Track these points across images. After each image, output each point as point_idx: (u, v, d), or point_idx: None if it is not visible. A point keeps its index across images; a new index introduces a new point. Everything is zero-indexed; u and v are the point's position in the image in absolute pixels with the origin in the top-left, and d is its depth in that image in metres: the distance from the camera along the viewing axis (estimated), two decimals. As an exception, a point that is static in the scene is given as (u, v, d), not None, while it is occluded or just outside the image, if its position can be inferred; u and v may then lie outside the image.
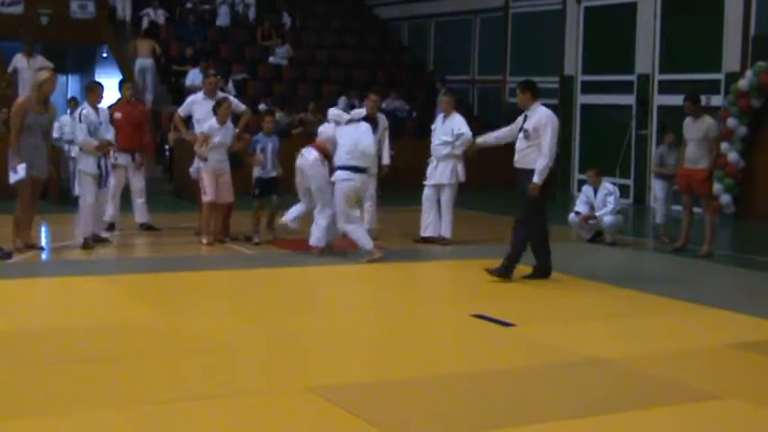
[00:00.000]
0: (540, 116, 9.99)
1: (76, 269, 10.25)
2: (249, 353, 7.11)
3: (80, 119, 11.44)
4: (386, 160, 12.89)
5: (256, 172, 12.19)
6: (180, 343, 7.33)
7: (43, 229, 12.93)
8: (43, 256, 11.17)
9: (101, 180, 11.60)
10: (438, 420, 5.69)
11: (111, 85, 14.23)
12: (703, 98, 13.35)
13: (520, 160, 10.06)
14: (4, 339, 7.26)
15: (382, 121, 12.88)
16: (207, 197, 11.86)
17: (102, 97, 11.79)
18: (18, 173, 10.76)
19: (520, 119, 10.16)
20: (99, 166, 11.52)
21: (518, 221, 10.12)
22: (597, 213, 13.08)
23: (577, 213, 13.26)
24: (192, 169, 12.36)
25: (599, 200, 13.19)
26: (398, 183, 15.39)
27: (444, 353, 7.36)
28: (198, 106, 12.64)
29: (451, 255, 11.85)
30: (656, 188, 13.33)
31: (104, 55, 22.71)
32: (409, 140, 18.45)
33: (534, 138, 9.91)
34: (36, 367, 6.54)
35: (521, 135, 10.04)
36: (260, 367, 6.72)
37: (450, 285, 10.00)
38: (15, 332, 7.52)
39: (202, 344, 7.37)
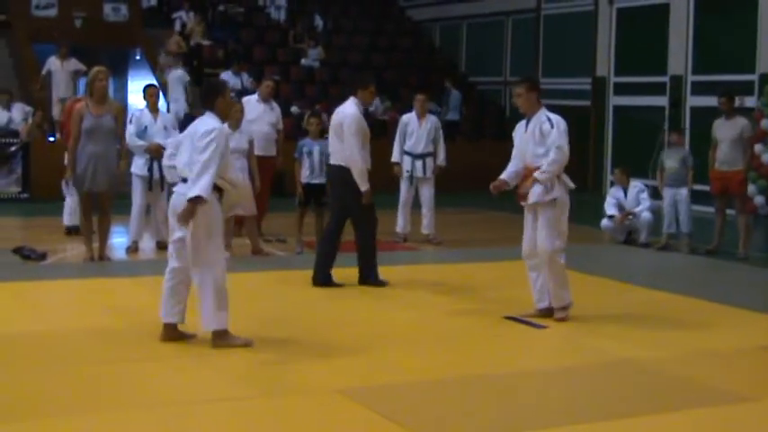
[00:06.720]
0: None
1: (108, 271, 10.32)
2: (279, 355, 7.12)
3: (130, 120, 11.44)
4: (441, 161, 13.00)
5: (304, 177, 11.43)
6: (209, 344, 7.34)
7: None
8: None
9: (151, 183, 11.52)
10: (468, 422, 5.67)
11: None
12: (737, 99, 13.26)
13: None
14: (35, 340, 7.32)
15: (433, 121, 12.94)
16: None
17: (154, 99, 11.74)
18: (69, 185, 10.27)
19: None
20: (150, 169, 11.48)
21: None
22: (636, 210, 12.91)
23: (611, 218, 13.11)
24: None
25: (631, 198, 13.06)
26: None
27: (475, 354, 7.34)
28: (250, 107, 12.61)
29: (485, 256, 11.82)
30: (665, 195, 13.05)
31: (137, 57, 22.84)
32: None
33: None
34: (66, 368, 6.58)
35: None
36: (290, 369, 6.73)
37: (483, 286, 9.96)
38: (46, 333, 7.57)
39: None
